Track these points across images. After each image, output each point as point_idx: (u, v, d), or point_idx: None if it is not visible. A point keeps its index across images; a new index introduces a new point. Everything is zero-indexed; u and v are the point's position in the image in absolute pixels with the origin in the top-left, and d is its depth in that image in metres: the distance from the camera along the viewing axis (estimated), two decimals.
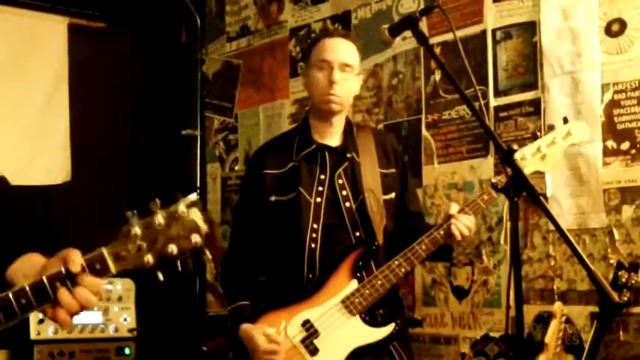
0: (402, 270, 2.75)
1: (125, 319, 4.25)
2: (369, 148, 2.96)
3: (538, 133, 2.77)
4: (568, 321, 3.25)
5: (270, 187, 2.93)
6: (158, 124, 5.15)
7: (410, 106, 4.07)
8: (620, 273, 2.96)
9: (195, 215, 1.62)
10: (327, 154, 2.93)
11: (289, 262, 2.88)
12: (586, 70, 3.42)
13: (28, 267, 1.76)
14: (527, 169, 2.66)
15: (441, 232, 2.75)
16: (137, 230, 1.61)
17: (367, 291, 2.75)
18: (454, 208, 2.76)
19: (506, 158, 2.13)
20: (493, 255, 3.67)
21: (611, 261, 3.25)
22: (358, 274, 2.80)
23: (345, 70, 2.90)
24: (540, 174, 2.78)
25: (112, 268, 1.63)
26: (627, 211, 3.29)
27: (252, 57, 4.95)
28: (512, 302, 2.09)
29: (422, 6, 4.02)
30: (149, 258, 1.62)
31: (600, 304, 2.15)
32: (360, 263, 2.81)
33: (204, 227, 1.62)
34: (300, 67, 2.93)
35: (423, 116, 4.00)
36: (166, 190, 5.02)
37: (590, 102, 3.40)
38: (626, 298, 2.93)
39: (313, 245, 2.83)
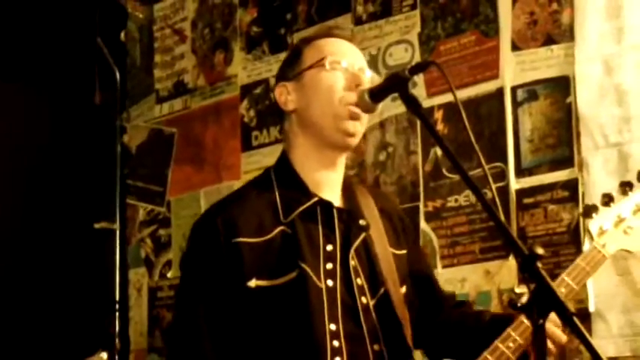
0: None
1: None
2: (373, 216, 2.61)
3: (614, 194, 2.62)
4: None
5: (249, 265, 2.44)
6: (63, 216, 5.15)
7: (404, 190, 4.11)
8: None
9: None
10: (334, 212, 2.52)
11: None
12: (637, 140, 3.49)
13: None
14: (610, 247, 2.55)
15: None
16: None
17: None
18: None
19: (526, 266, 2.12)
20: None
21: None
22: None
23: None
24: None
25: None
26: None
27: (191, 123, 5.01)
28: None
29: (417, 56, 4.10)
30: None
31: None
32: None
33: None
34: (279, 84, 2.60)
35: (422, 204, 4.05)
36: (73, 308, 5.01)
37: None
38: None
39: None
